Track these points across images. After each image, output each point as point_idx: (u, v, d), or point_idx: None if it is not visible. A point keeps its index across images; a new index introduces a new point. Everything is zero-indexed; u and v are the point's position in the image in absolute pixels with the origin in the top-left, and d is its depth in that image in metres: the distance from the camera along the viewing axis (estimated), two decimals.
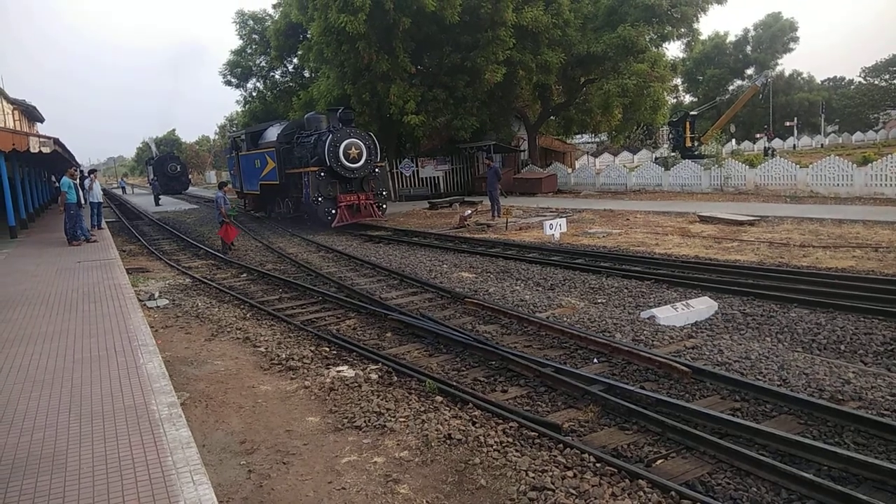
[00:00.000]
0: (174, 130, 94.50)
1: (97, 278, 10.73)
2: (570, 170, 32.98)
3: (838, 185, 20.22)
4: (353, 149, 19.53)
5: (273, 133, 23.12)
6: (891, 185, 18.81)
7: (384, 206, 21.08)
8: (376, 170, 20.75)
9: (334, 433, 5.29)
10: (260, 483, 4.54)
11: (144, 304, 10.11)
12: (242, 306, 10.38)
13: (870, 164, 20.10)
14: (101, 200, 19.74)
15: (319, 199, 19.45)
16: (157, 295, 11.03)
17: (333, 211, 19.65)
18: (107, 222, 21.44)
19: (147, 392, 5.24)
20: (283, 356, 7.33)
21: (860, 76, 73.32)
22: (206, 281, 12.60)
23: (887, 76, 69.48)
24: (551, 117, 33.20)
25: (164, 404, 4.97)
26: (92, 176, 18.85)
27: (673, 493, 4.06)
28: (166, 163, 54.62)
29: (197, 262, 15.80)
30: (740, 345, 7.07)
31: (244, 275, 13.52)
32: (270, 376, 6.79)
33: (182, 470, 3.90)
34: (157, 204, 37.71)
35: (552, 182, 29.47)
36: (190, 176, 64.39)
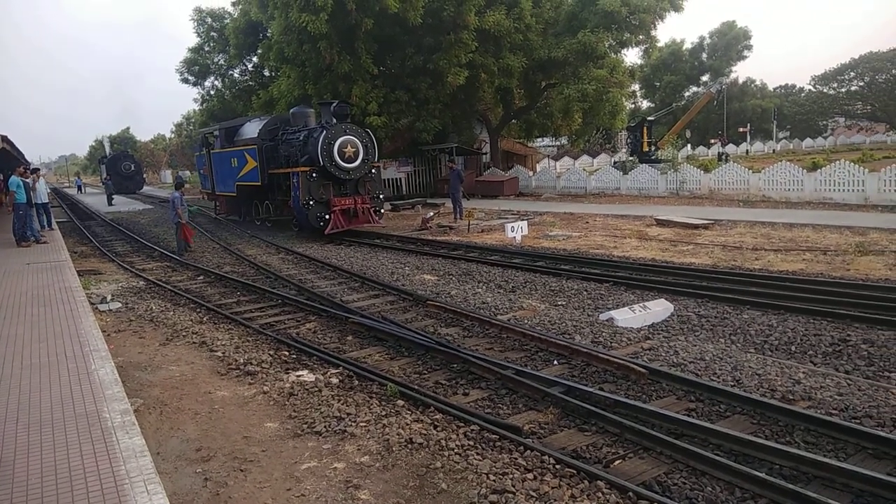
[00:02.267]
0: (129, 129, 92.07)
1: (47, 281, 10.37)
2: (531, 173, 33.27)
3: (789, 189, 20.88)
4: (349, 147, 17.60)
5: (252, 129, 21.13)
6: (839, 190, 19.51)
7: (381, 210, 19.16)
8: (373, 171, 18.81)
9: (293, 439, 5.22)
10: (216, 491, 4.45)
11: (96, 308, 9.81)
12: (199, 310, 10.16)
13: (819, 170, 20.81)
14: (47, 200, 18.38)
15: (311, 202, 17.45)
16: (109, 298, 10.71)
17: (327, 216, 17.62)
18: (58, 223, 20.75)
19: (99, 399, 5.08)
20: (241, 361, 7.20)
21: (810, 84, 75.82)
22: (160, 283, 12.30)
23: (835, 85, 71.96)
24: (513, 120, 33.45)
25: (116, 412, 4.83)
26: (35, 175, 17.08)
27: (630, 493, 4.13)
28: (120, 161, 53.16)
29: (151, 263, 15.41)
30: (695, 346, 7.23)
31: (201, 277, 13.25)
32: (228, 381, 6.66)
33: (136, 479, 3.80)
34: (110, 204, 36.63)
35: (514, 185, 29.71)
36: (145, 175, 62.88)
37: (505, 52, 26.32)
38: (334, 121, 17.78)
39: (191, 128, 63.59)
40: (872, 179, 18.77)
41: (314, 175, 17.44)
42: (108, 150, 62.83)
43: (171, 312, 9.88)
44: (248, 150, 20.29)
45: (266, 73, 34.41)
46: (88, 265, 14.80)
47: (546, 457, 4.66)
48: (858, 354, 6.88)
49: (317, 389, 6.24)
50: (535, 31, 27.31)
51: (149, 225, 24.81)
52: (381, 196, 19.15)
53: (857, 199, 18.90)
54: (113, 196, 38.80)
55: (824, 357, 6.96)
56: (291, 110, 20.20)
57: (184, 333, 8.58)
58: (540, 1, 29.01)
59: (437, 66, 24.70)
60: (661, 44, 41.41)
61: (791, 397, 5.64)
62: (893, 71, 66.60)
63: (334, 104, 18.15)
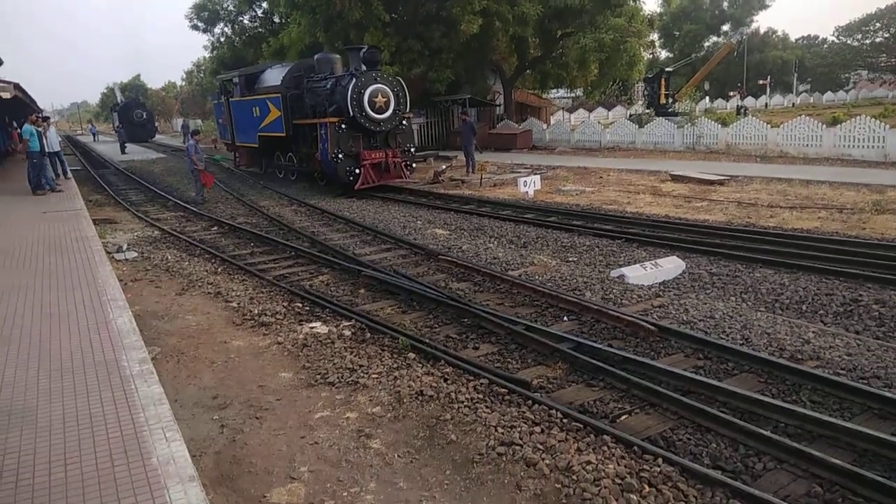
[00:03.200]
0: (139, 76, 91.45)
1: (63, 230, 10.50)
2: (545, 126, 32.84)
3: (807, 145, 20.52)
4: (380, 96, 16.50)
5: (275, 76, 19.89)
6: (858, 146, 19.14)
7: (413, 165, 18.21)
8: (403, 122, 17.72)
9: (307, 389, 5.34)
10: (233, 438, 4.59)
11: (112, 257, 9.94)
12: (213, 260, 10.27)
13: (839, 126, 20.39)
14: (59, 149, 18.25)
15: (340, 155, 16.49)
16: (125, 247, 10.84)
17: (357, 170, 16.70)
18: (72, 171, 20.84)
19: (118, 347, 5.21)
20: (256, 312, 7.31)
21: (833, 35, 73.58)
22: (175, 233, 12.41)
23: (860, 36, 69.76)
24: (527, 71, 32.80)
25: (135, 360, 4.96)
26: (45, 123, 16.91)
27: (635, 447, 4.22)
28: (132, 109, 53.04)
29: (166, 213, 15.52)
30: (705, 304, 7.25)
31: (215, 228, 13.34)
32: (243, 332, 6.79)
33: (154, 426, 3.92)
34: (123, 152, 36.68)
35: (527, 138, 29.36)
36: (157, 124, 62.70)
37: None
38: (364, 68, 16.63)
39: (201, 75, 62.95)
40: (893, 136, 18.38)
41: (343, 126, 16.49)
42: (119, 97, 62.59)
43: (187, 262, 10.00)
44: (270, 99, 19.20)
45: (276, 19, 33.83)
46: (104, 214, 14.93)
47: (553, 411, 4.75)
48: (869, 315, 6.87)
49: (330, 341, 6.35)
50: None
51: (162, 174, 24.88)
52: (412, 149, 18.18)
53: (876, 156, 18.55)
54: (126, 144, 38.82)
55: (835, 317, 6.97)
56: (316, 56, 19.08)
57: (199, 284, 8.70)
58: None
59: (450, 14, 24.14)
60: None
61: (800, 357, 5.68)
62: None
63: (364, 50, 16.86)
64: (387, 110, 16.77)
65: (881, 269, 8.19)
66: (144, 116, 53.55)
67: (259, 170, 23.04)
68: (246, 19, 36.73)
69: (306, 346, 6.27)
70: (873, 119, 19.31)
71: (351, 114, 16.27)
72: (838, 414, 4.70)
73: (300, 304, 7.71)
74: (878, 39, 68.98)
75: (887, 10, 65.69)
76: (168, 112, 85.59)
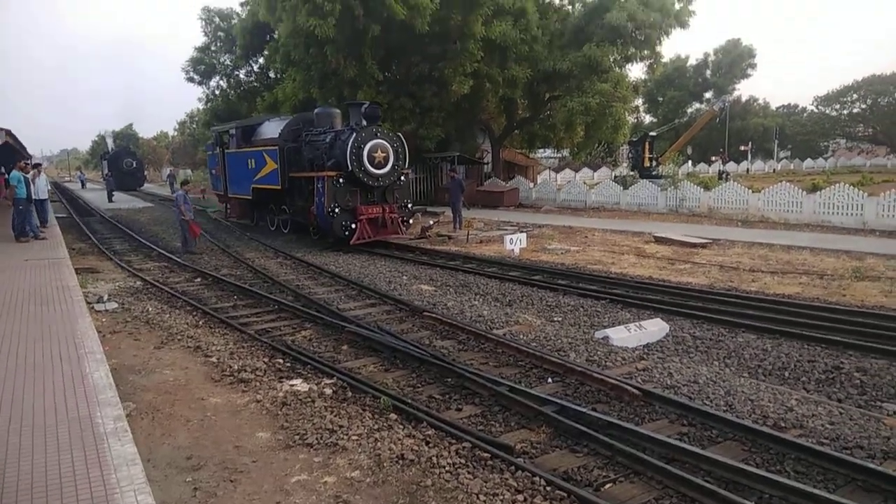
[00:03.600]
0: (132, 125, 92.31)
1: (45, 278, 10.39)
2: (531, 184, 33.34)
3: (788, 211, 20.94)
4: (380, 151, 16.53)
5: (272, 129, 19.94)
6: (837, 213, 19.57)
7: (410, 220, 18.17)
8: (402, 178, 17.65)
9: (285, 450, 5.22)
10: (206, 501, 4.45)
11: (93, 308, 9.80)
12: (195, 312, 10.16)
13: (818, 192, 20.88)
14: (46, 197, 18.19)
15: (336, 209, 16.33)
16: (106, 297, 10.71)
17: (353, 225, 16.57)
18: (57, 218, 20.75)
19: (93, 403, 5.09)
20: (236, 367, 7.20)
21: (812, 105, 76.19)
22: (157, 284, 12.30)
23: (838, 106, 72.32)
24: (515, 131, 33.54)
25: (109, 417, 4.84)
26: (35, 170, 16.92)
27: None
28: (122, 157, 53.30)
29: (149, 263, 15.41)
30: (689, 368, 7.24)
31: (198, 279, 13.25)
32: (221, 388, 6.66)
33: (126, 488, 3.80)
34: (110, 200, 36.66)
35: (514, 196, 29.77)
36: (146, 172, 62.94)
37: (510, 62, 26.45)
38: (364, 123, 16.64)
39: (194, 126, 63.66)
40: (871, 204, 18.84)
41: (341, 180, 16.42)
42: (110, 145, 62.98)
43: (168, 314, 9.88)
44: (267, 151, 19.12)
45: (272, 74, 34.56)
46: (86, 263, 14.79)
47: (537, 478, 4.66)
48: (851, 382, 6.90)
49: (310, 400, 6.24)
50: (541, 42, 27.44)
51: (148, 223, 24.82)
52: (409, 205, 18.11)
53: (855, 223, 18.96)
54: (113, 192, 38.84)
55: (817, 384, 6.98)
56: (315, 110, 19.25)
57: (179, 337, 8.58)
58: (547, 13, 29.19)
59: (442, 75, 24.79)
60: (665, 59, 41.57)
61: (783, 425, 5.65)
62: (895, 94, 66.94)
63: (365, 105, 16.82)
64: (386, 165, 16.75)
65: (862, 336, 8.26)
66: (134, 165, 53.78)
67: (250, 222, 22.89)
68: (242, 73, 37.47)
69: (286, 404, 6.15)
70: (852, 187, 19.83)
71: (350, 168, 16.21)
72: (822, 485, 4.66)
73: (281, 360, 7.61)
74: (855, 110, 71.58)
75: (864, 83, 68.34)
76: (158, 161, 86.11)
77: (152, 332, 8.90)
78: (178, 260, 15.24)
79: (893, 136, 68.81)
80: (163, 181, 59.48)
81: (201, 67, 37.17)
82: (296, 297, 11.19)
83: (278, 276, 13.20)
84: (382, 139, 16.72)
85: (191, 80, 37.70)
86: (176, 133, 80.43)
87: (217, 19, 36.43)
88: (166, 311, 10.19)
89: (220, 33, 36.51)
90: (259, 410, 6.05)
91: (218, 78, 37.98)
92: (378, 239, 17.05)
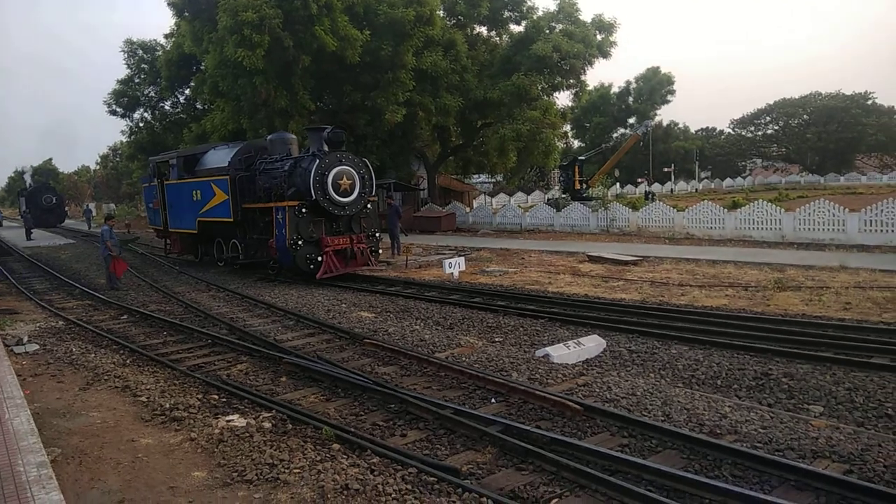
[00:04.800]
0: (51, 160, 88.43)
1: None
2: (468, 209, 33.75)
3: (712, 227, 21.91)
4: (345, 178, 15.41)
5: (221, 157, 18.44)
6: (757, 228, 20.62)
7: (379, 251, 17.22)
8: (368, 206, 16.61)
9: (223, 488, 4.99)
10: None
11: (12, 351, 9.23)
12: (122, 351, 9.68)
13: (739, 209, 21.97)
14: None
15: (299, 242, 15.22)
16: (25, 339, 10.09)
17: (318, 258, 15.52)
18: None
19: (13, 451, 4.76)
20: (167, 406, 6.88)
21: (729, 127, 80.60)
22: (81, 323, 11.69)
23: (752, 128, 76.78)
24: (450, 157, 34.00)
25: (32, 464, 4.53)
26: None
27: None
28: (41, 194, 50.88)
29: (72, 302, 14.65)
30: (627, 381, 7.39)
31: (125, 316, 12.67)
32: (152, 428, 6.34)
33: None
34: (28, 238, 34.82)
35: (451, 221, 30.02)
36: (67, 208, 60.21)
37: (442, 91, 26.92)
38: (326, 149, 15.65)
39: (117, 160, 61.55)
40: (788, 218, 19.94)
41: (303, 210, 15.25)
42: (28, 182, 59.94)
43: (93, 354, 9.38)
44: (216, 181, 17.65)
45: (199, 105, 33.93)
46: (4, 304, 13.96)
47: (484, 498, 4.63)
48: (780, 388, 7.19)
49: (248, 435, 6.02)
50: (472, 72, 28.11)
51: (70, 260, 23.66)
52: (377, 235, 16.96)
53: (774, 237, 20.00)
54: (32, 230, 36.94)
55: (748, 391, 7.24)
56: (269, 137, 18.16)
57: (105, 377, 8.14)
58: (475, 44, 29.93)
59: (375, 104, 24.95)
60: (590, 87, 43.20)
61: (718, 431, 5.83)
62: (805, 116, 71.69)
63: (328, 130, 15.83)
64: (352, 193, 15.72)
65: (787, 343, 8.65)
66: (54, 201, 51.44)
67: (195, 258, 21.46)
68: (167, 105, 36.67)
69: (222, 441, 5.90)
70: (770, 203, 20.98)
71: (314, 197, 15.10)
72: (758, 487, 4.81)
73: (216, 396, 7.32)
74: (769, 131, 76.20)
75: (775, 105, 72.91)
76: (80, 196, 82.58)
77: (77, 373, 8.42)
78: (103, 297, 14.55)
79: (804, 154, 73.45)
80: (82, 218, 57.09)
81: (124, 100, 36.22)
82: (230, 330, 10.85)
83: (211, 310, 12.78)
84: (347, 165, 15.68)
85: (113, 112, 36.63)
86: (98, 167, 77.50)
87: (140, 51, 35.61)
88: (91, 350, 9.68)
89: (143, 65, 35.69)
90: (194, 449, 5.78)
91: (142, 110, 37.10)
92: (347, 272, 16.05)
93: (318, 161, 15.17)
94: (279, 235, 15.56)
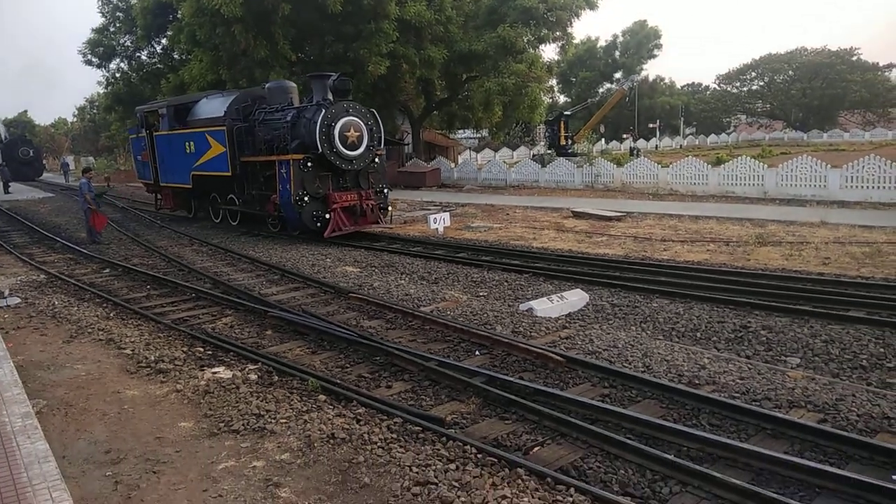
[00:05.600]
0: (26, 112, 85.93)
1: None
2: (453, 164, 33.54)
3: (695, 183, 22.01)
4: (353, 130, 14.47)
5: (215, 107, 17.33)
6: (740, 184, 20.74)
7: (388, 208, 16.34)
8: (376, 160, 15.79)
9: (209, 438, 5.05)
10: (128, 494, 4.25)
11: None
12: (105, 304, 9.64)
13: (723, 165, 22.06)
14: None
15: (305, 198, 14.42)
16: (6, 293, 9.97)
17: (326, 215, 14.69)
18: None
19: None
20: (152, 358, 6.89)
21: (715, 83, 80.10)
22: (63, 277, 11.58)
23: (738, 84, 76.39)
24: (435, 112, 33.56)
25: (17, 415, 4.55)
26: None
27: (549, 479, 4.25)
28: (17, 146, 49.74)
29: (53, 255, 14.49)
30: (609, 334, 7.51)
31: (107, 270, 12.56)
32: (138, 380, 6.36)
33: (39, 486, 3.59)
34: (6, 192, 34.19)
35: (436, 176, 29.83)
36: (45, 162, 59.00)
37: (426, 43, 26.36)
38: (331, 97, 14.66)
39: (94, 112, 60.06)
40: (771, 175, 20.06)
41: (309, 164, 14.39)
42: (3, 134, 58.45)
43: (76, 308, 9.33)
44: (211, 133, 16.61)
45: (176, 56, 32.99)
46: None
47: (468, 447, 4.72)
48: (758, 340, 7.35)
49: (234, 386, 6.06)
50: (456, 23, 27.51)
51: (49, 214, 23.32)
52: (386, 190, 16.17)
53: (756, 193, 20.15)
54: (10, 183, 36.22)
55: (727, 343, 7.40)
56: (267, 85, 17.13)
57: (89, 330, 8.12)
58: None
59: (357, 55, 24.40)
60: (577, 41, 42.65)
61: (697, 382, 5.96)
62: (790, 72, 71.42)
63: (334, 77, 14.70)
64: (360, 146, 14.76)
65: (767, 297, 8.81)
66: (31, 154, 50.35)
67: (188, 213, 20.59)
68: (144, 55, 35.62)
69: (208, 392, 5.95)
70: (753, 160, 21.06)
71: (320, 150, 14.20)
72: (735, 435, 4.95)
73: (202, 349, 7.34)
74: (754, 87, 75.89)
75: (761, 61, 72.43)
76: (58, 149, 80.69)
77: (60, 326, 8.39)
78: (84, 251, 14.39)
79: (788, 111, 73.46)
80: (60, 171, 55.93)
81: (100, 49, 35.08)
82: (214, 284, 10.82)
83: (194, 264, 12.70)
84: (355, 116, 14.68)
85: (89, 62, 35.54)
86: (76, 119, 75.64)
87: None
88: (74, 304, 9.62)
89: (118, 14, 34.50)
90: (180, 400, 5.83)
91: (118, 60, 36.00)
92: (356, 230, 15.23)
93: (323, 111, 14.28)
94: (283, 191, 14.81)
